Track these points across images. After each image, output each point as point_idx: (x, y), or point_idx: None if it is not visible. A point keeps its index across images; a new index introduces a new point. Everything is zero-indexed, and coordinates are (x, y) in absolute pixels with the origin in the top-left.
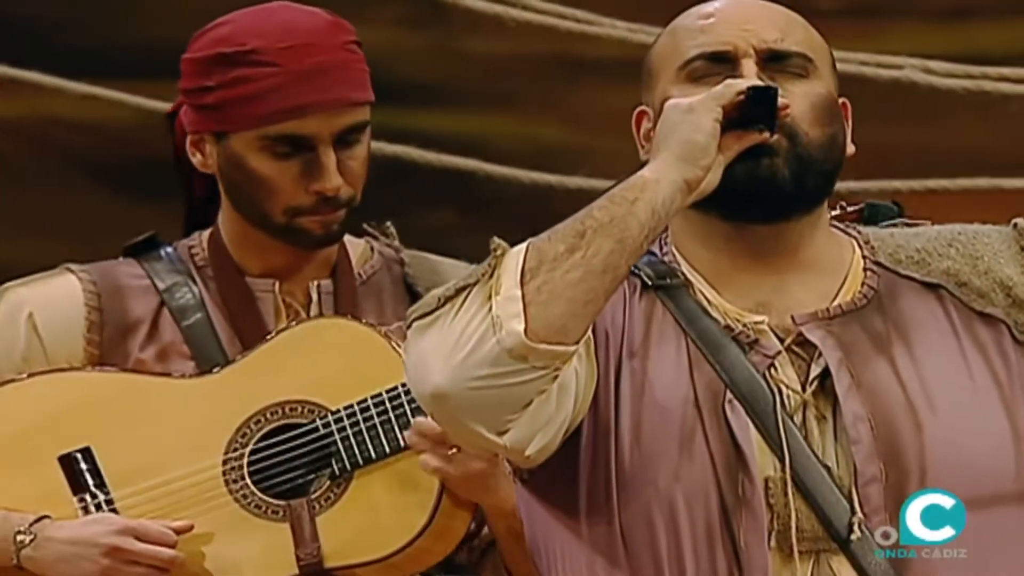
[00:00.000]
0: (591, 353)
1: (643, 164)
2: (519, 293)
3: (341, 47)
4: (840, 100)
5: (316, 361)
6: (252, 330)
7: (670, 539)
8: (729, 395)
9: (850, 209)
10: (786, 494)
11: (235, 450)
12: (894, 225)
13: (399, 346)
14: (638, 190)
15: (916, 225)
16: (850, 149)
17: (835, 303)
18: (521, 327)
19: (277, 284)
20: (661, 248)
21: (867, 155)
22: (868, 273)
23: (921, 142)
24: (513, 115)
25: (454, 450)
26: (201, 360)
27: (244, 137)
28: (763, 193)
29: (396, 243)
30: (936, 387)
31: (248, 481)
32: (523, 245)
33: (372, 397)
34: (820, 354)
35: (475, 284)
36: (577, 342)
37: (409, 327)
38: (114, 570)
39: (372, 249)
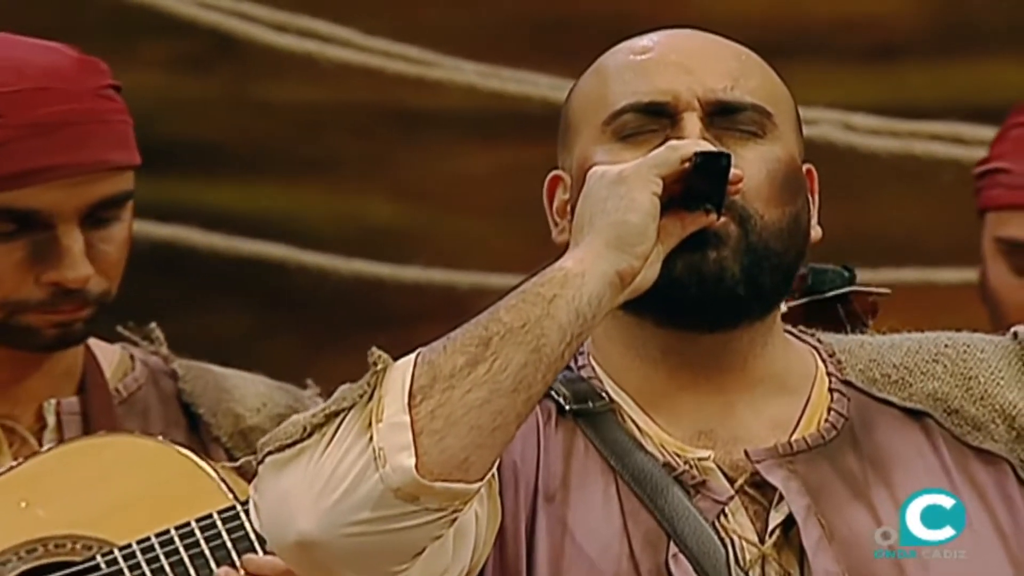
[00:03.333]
0: (494, 493)
1: (558, 253)
2: (407, 419)
3: (93, 93)
4: (805, 167)
5: (92, 488)
6: None
7: None
8: (673, 548)
9: None
10: None
11: None
12: (846, 296)
13: (209, 466)
14: (557, 285)
15: (872, 295)
16: (815, 233)
17: (796, 435)
18: (411, 461)
19: None
20: (577, 360)
21: None
22: (836, 395)
23: (839, 221)
24: (329, 186)
25: None
26: None
27: None
28: (709, 296)
29: (164, 350)
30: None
31: None
32: (410, 358)
33: (177, 528)
34: (781, 498)
35: (350, 408)
36: (482, 478)
37: (261, 462)
38: None
39: (132, 358)
